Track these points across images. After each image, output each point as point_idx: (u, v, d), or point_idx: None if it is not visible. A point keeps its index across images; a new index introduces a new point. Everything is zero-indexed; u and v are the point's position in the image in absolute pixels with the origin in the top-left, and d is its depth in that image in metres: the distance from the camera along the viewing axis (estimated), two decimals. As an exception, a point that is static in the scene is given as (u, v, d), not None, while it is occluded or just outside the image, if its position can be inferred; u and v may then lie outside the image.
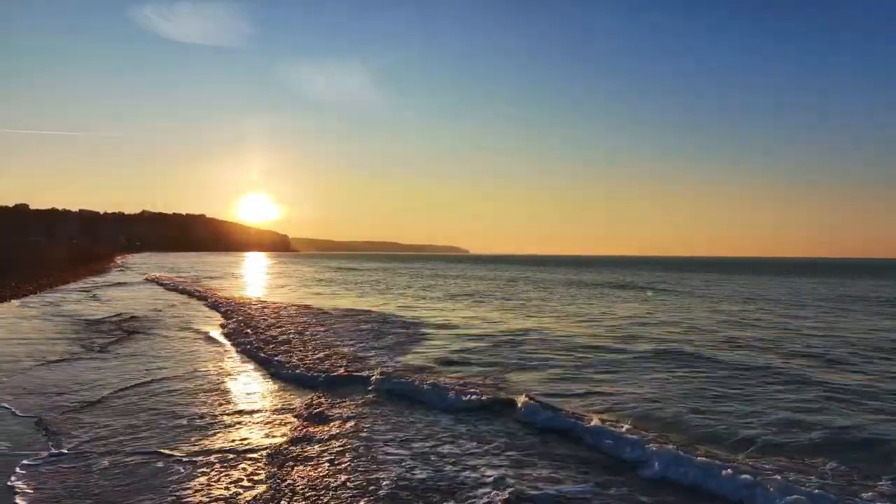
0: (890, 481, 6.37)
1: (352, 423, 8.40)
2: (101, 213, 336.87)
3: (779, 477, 6.37)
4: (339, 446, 7.36)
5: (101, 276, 49.08)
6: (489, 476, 6.43)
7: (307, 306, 25.77)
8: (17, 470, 6.43)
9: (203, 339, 16.17)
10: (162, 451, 7.07)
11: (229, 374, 11.66)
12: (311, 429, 8.09)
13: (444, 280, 53.35)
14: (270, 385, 10.89)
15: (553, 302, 30.06)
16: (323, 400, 9.63)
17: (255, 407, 9.27)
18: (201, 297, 29.30)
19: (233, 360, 13.27)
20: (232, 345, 14.93)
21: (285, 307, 25.24)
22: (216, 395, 9.94)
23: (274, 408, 9.23)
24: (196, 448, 7.19)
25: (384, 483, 6.21)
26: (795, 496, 5.72)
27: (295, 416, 8.68)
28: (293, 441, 7.53)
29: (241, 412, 8.92)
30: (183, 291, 33.48)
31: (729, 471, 6.30)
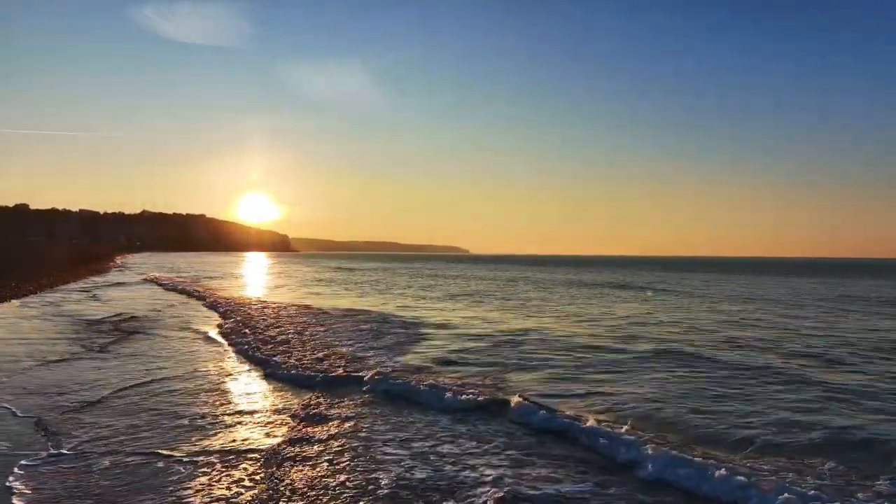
0: (888, 481, 6.37)
1: (349, 423, 8.40)
2: (101, 213, 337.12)
3: (775, 477, 6.38)
4: (337, 447, 7.37)
5: (101, 276, 49.10)
6: (485, 476, 6.42)
7: (306, 306, 25.78)
8: (16, 470, 6.44)
9: (202, 340, 16.18)
10: (161, 451, 7.07)
11: (227, 375, 11.67)
12: (308, 429, 8.09)
13: (444, 280, 53.37)
14: (268, 385, 10.90)
15: (553, 302, 30.07)
16: (320, 400, 9.64)
17: (253, 407, 9.28)
18: (200, 297, 29.31)
19: (231, 360, 13.27)
20: (230, 345, 14.93)
21: (285, 307, 25.25)
22: (214, 395, 9.94)
23: (271, 408, 9.23)
24: (195, 448, 7.19)
25: (382, 483, 6.21)
26: (787, 495, 5.73)
27: (292, 417, 8.68)
28: (291, 441, 7.53)
29: (239, 412, 8.92)
30: (182, 291, 33.50)
31: (723, 471, 6.28)
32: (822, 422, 8.56)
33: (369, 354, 13.82)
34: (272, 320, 20.24)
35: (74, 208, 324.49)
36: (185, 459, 6.81)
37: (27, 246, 72.05)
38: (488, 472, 6.56)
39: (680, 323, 20.90)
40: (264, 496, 5.89)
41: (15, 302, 24.58)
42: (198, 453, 7.02)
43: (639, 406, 9.33)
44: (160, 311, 23.37)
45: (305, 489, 6.07)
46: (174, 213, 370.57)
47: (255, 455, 7.01)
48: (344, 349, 14.47)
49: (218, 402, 9.44)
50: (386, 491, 6.01)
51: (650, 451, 6.86)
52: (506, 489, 6.05)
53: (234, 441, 7.52)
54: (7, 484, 6.08)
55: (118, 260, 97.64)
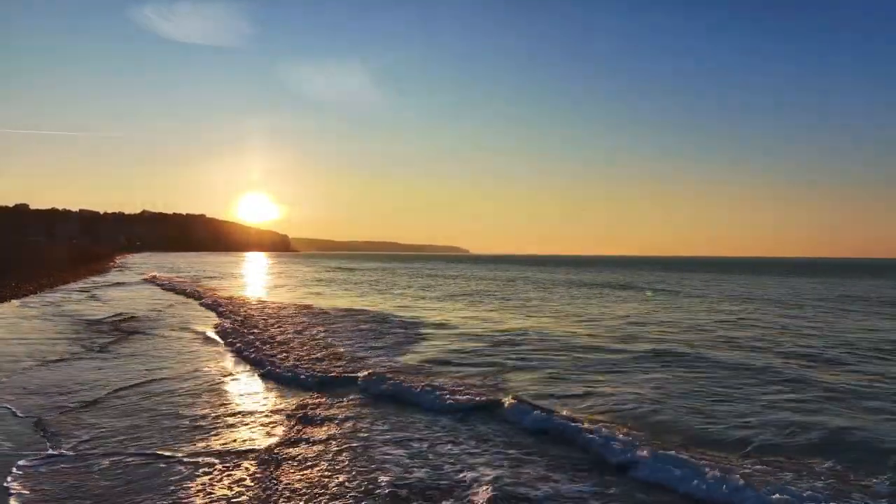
0: (887, 482, 6.39)
1: (344, 424, 8.41)
2: (101, 213, 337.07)
3: (772, 478, 6.40)
4: (332, 448, 7.37)
5: (101, 276, 49.11)
6: (480, 477, 6.43)
7: (306, 306, 25.79)
8: (14, 470, 6.45)
9: (200, 340, 16.19)
10: (160, 451, 7.08)
11: (226, 375, 11.68)
12: (304, 430, 8.10)
13: (444, 280, 53.37)
14: (266, 386, 10.90)
15: (552, 302, 30.08)
16: (316, 401, 9.64)
17: (251, 408, 9.28)
18: (199, 297, 29.31)
19: (230, 360, 13.27)
20: (229, 345, 14.93)
21: (284, 307, 25.26)
22: (212, 395, 9.95)
23: (269, 409, 9.24)
24: (193, 449, 7.20)
25: (379, 484, 6.22)
26: (782, 496, 5.74)
27: (289, 417, 8.68)
28: (287, 442, 7.54)
29: (236, 413, 8.93)
30: (181, 292, 33.50)
31: (718, 473, 6.27)
32: (820, 422, 8.57)
33: (368, 354, 13.83)
34: (271, 320, 20.26)
35: (74, 208, 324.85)
36: (183, 460, 6.82)
37: (27, 246, 72.06)
38: (483, 472, 6.56)
39: (679, 323, 20.91)
40: (263, 496, 5.90)
41: (15, 302, 24.59)
42: (196, 454, 7.03)
43: (637, 406, 9.35)
44: (160, 311, 23.38)
45: (303, 489, 6.08)
46: (174, 213, 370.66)
47: (253, 455, 7.02)
48: (343, 349, 14.48)
49: (216, 403, 9.45)
50: (382, 491, 6.02)
51: (646, 453, 6.86)
52: (500, 490, 6.06)
53: (231, 441, 7.53)
54: (5, 484, 6.09)
55: (118, 260, 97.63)
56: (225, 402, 9.59)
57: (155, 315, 21.81)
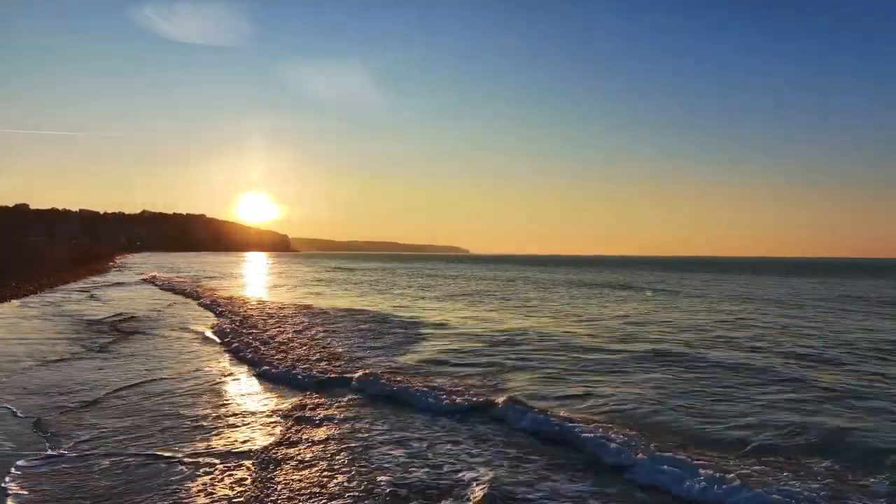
0: (885, 481, 6.40)
1: (342, 424, 8.42)
2: (101, 213, 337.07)
3: (770, 479, 6.41)
4: (330, 448, 7.38)
5: (100, 276, 49.13)
6: (475, 477, 6.42)
7: (305, 306, 25.80)
8: (12, 470, 6.45)
9: (201, 340, 16.20)
10: (159, 451, 7.09)
11: (225, 375, 11.69)
12: (302, 430, 8.11)
13: (444, 280, 53.39)
14: (264, 386, 10.90)
15: (552, 302, 30.09)
16: (314, 401, 9.64)
17: (250, 408, 9.29)
18: (199, 298, 29.32)
19: (228, 361, 13.27)
20: (228, 346, 14.92)
21: (283, 307, 25.28)
22: (211, 396, 9.96)
23: (267, 409, 9.25)
24: (191, 449, 7.21)
25: (375, 484, 6.23)
26: (776, 496, 5.75)
27: (287, 418, 8.68)
28: (285, 442, 7.55)
29: (235, 413, 8.94)
30: (180, 292, 33.50)
31: (715, 474, 6.28)
32: (819, 422, 8.58)
33: (368, 355, 13.84)
34: (271, 320, 20.26)
35: (74, 208, 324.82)
36: (183, 460, 6.83)
37: (27, 246, 72.06)
38: (481, 473, 6.56)
39: (679, 323, 20.92)
40: (263, 496, 5.91)
41: (15, 302, 24.61)
42: (195, 454, 7.04)
43: (636, 407, 9.35)
44: (159, 311, 23.39)
45: (302, 490, 6.09)
46: (174, 213, 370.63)
47: (252, 456, 7.02)
48: (342, 349, 14.49)
49: (214, 403, 9.46)
50: (382, 491, 6.02)
51: (642, 454, 6.86)
52: (497, 490, 6.06)
53: (230, 442, 7.54)
54: (3, 485, 6.10)
55: (118, 260, 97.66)
56: (224, 402, 9.60)
57: (154, 315, 21.82)
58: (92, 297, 28.87)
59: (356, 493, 6.00)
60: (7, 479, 6.23)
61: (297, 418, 8.66)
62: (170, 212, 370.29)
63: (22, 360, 12.63)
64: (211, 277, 51.81)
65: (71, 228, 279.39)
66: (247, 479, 6.34)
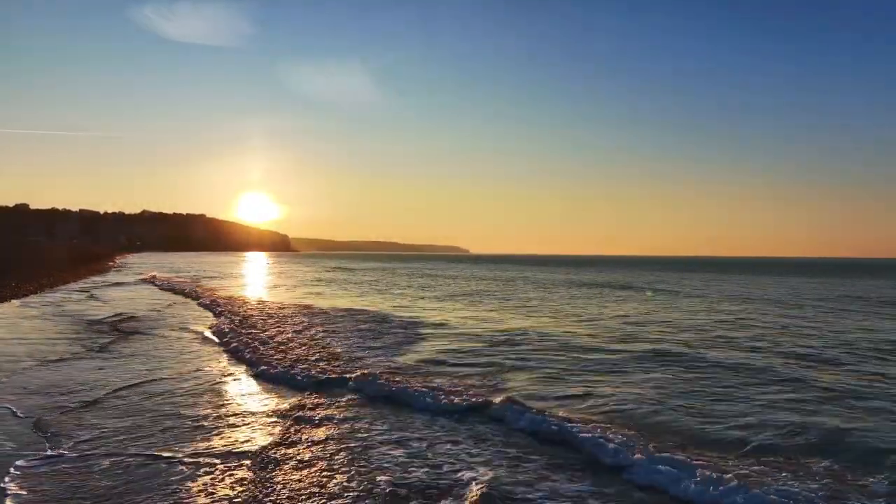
0: (885, 481, 6.41)
1: (341, 424, 8.42)
2: (101, 213, 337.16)
3: (770, 479, 6.41)
4: (329, 448, 7.39)
5: (100, 276, 49.15)
6: (473, 478, 6.41)
7: (305, 306, 25.81)
8: (11, 471, 6.46)
9: (199, 340, 16.20)
10: (158, 452, 7.10)
11: (225, 376, 11.69)
12: (301, 430, 8.11)
13: (444, 280, 53.39)
14: (263, 386, 10.89)
15: (552, 302, 30.09)
16: (313, 401, 9.65)
17: (250, 408, 9.30)
18: (198, 298, 29.33)
19: (226, 361, 13.27)
20: (228, 346, 14.91)
21: (283, 307, 25.28)
22: (211, 396, 9.97)
23: (267, 409, 9.25)
24: (191, 449, 7.22)
25: (374, 484, 6.24)
26: (774, 497, 5.75)
27: (286, 418, 8.69)
28: (284, 442, 7.56)
29: (235, 413, 8.95)
30: (180, 292, 33.51)
31: (712, 475, 6.26)
32: (819, 422, 8.58)
33: (367, 355, 13.85)
34: (270, 320, 20.27)
35: (74, 208, 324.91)
36: (183, 460, 6.83)
37: (27, 246, 72.07)
38: (479, 473, 6.55)
39: (679, 323, 20.92)
40: (263, 496, 5.91)
41: (15, 302, 24.62)
42: (195, 454, 7.04)
43: (636, 407, 9.36)
44: (158, 311, 23.40)
45: (301, 490, 6.10)
46: (174, 213, 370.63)
47: (252, 456, 7.03)
48: (341, 349, 14.50)
49: (214, 403, 9.47)
50: (381, 491, 6.04)
51: (640, 454, 6.86)
52: (496, 490, 6.06)
53: (230, 442, 7.55)
54: (2, 485, 6.10)
55: (118, 260, 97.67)
56: (223, 402, 9.61)
57: (154, 315, 21.83)
58: (92, 297, 28.88)
59: (355, 493, 6.01)
60: (6, 479, 6.24)
61: (297, 418, 8.66)
62: (170, 212, 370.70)
63: (22, 360, 12.64)
64: (211, 277, 51.81)
65: (71, 228, 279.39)
66: (246, 479, 6.35)
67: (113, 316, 20.89)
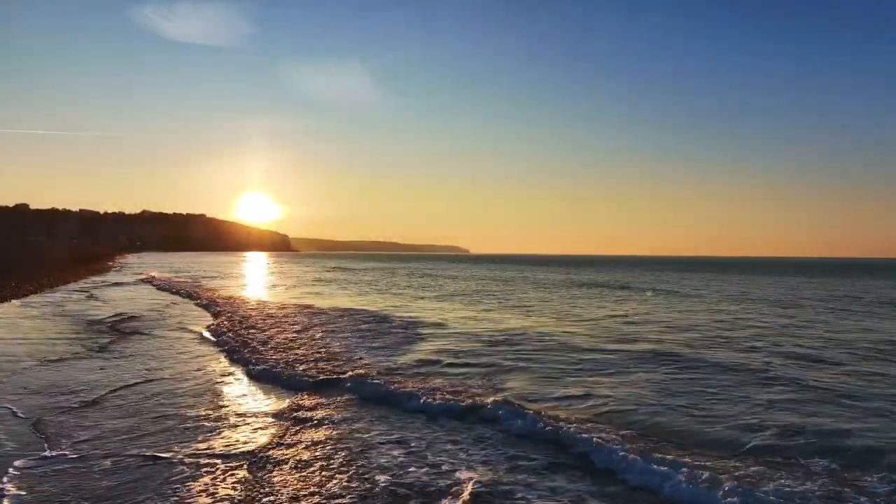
0: (884, 481, 6.41)
1: (339, 425, 8.44)
2: (101, 213, 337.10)
3: (766, 480, 6.42)
4: (326, 448, 7.41)
5: (100, 276, 49.16)
6: (464, 480, 6.41)
7: (304, 306, 25.82)
8: (10, 471, 6.47)
9: (198, 340, 16.22)
10: (157, 452, 7.12)
11: (222, 376, 11.70)
12: (299, 430, 8.13)
13: (443, 280, 53.40)
14: (262, 386, 10.90)
15: (552, 302, 30.10)
16: (311, 401, 9.67)
17: (247, 409, 9.31)
18: (198, 298, 29.34)
19: (225, 361, 13.27)
20: (226, 346, 14.93)
21: (282, 307, 25.29)
22: (210, 396, 9.98)
23: (266, 409, 9.27)
24: (191, 449, 7.23)
25: (371, 484, 6.26)
26: (773, 498, 5.76)
27: (285, 418, 8.70)
28: (283, 442, 7.58)
29: (233, 414, 8.96)
30: (180, 292, 33.51)
31: (705, 475, 6.26)
32: (817, 423, 8.59)
33: (366, 355, 13.85)
34: (269, 321, 20.28)
35: (74, 208, 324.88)
36: (182, 461, 6.85)
37: (27, 246, 72.06)
38: (471, 475, 6.54)
39: (679, 324, 20.93)
40: (262, 496, 5.93)
41: (15, 302, 24.63)
42: (194, 454, 7.06)
43: (634, 408, 9.36)
44: (158, 311, 23.42)
45: (300, 490, 6.12)
46: (174, 213, 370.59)
47: (251, 456, 7.04)
48: (340, 349, 14.50)
49: (213, 404, 9.48)
50: (377, 492, 6.06)
51: (633, 456, 6.85)
52: (487, 492, 6.07)
53: (228, 442, 7.56)
54: (0, 485, 6.11)
55: (118, 260, 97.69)
56: (222, 402, 9.62)
57: (154, 315, 21.84)
58: (92, 297, 28.89)
59: (354, 493, 6.02)
60: (5, 479, 6.25)
61: (295, 419, 8.68)
62: (170, 212, 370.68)
63: (22, 359, 12.65)
64: (211, 277, 51.81)
65: (71, 228, 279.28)
66: (246, 479, 6.36)
67: (113, 316, 20.91)
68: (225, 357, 13.69)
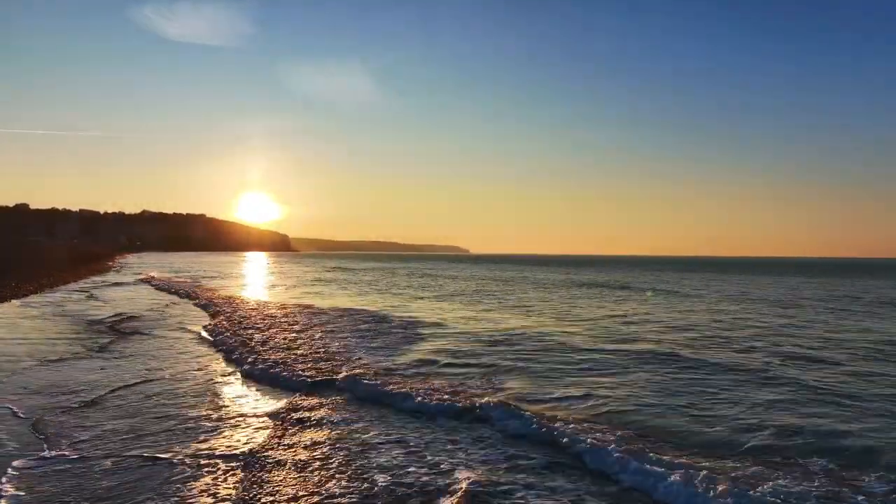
0: (882, 481, 6.43)
1: (334, 425, 8.44)
2: (101, 213, 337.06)
3: (763, 481, 6.43)
4: (323, 449, 7.42)
5: (100, 276, 49.16)
6: (458, 480, 6.42)
7: (304, 306, 25.83)
8: (9, 471, 6.48)
9: (197, 341, 16.23)
10: (156, 452, 7.13)
11: (220, 376, 11.71)
12: (296, 431, 8.15)
13: (443, 280, 53.41)
14: (261, 386, 10.90)
15: (551, 302, 30.11)
16: (309, 402, 9.68)
17: (246, 409, 9.33)
18: (197, 298, 29.35)
19: (224, 362, 13.27)
20: (225, 346, 14.92)
21: (282, 307, 25.30)
22: (207, 397, 9.98)
23: (265, 410, 9.27)
24: (189, 450, 7.25)
25: (367, 484, 6.27)
26: (771, 499, 5.76)
27: (282, 419, 8.71)
28: (281, 443, 7.59)
29: (232, 414, 8.98)
30: (180, 292, 33.51)
31: (699, 476, 6.25)
32: (816, 423, 8.60)
33: (365, 355, 13.86)
34: (269, 321, 20.29)
35: (74, 208, 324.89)
36: (181, 461, 6.86)
37: (27, 246, 72.08)
38: (464, 476, 6.54)
39: (678, 324, 20.94)
40: (262, 496, 5.94)
41: (15, 302, 24.65)
42: (193, 455, 7.07)
43: (632, 408, 9.37)
44: (157, 311, 23.43)
45: (298, 489, 6.13)
46: (174, 213, 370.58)
47: (249, 457, 7.05)
48: (339, 350, 14.51)
49: (211, 404, 9.49)
50: (373, 492, 6.08)
51: (630, 457, 6.86)
52: (480, 493, 6.08)
53: (226, 443, 7.57)
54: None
55: (118, 260, 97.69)
56: (222, 402, 9.63)
57: (153, 315, 21.86)
58: (92, 297, 28.91)
59: (354, 493, 6.03)
60: (4, 479, 6.26)
61: (294, 419, 8.70)
62: (170, 212, 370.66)
63: (22, 359, 12.67)
64: (211, 277, 51.82)
65: (71, 228, 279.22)
66: (245, 479, 6.38)
67: (113, 316, 20.92)
68: (225, 357, 13.69)
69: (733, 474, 6.54)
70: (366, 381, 10.58)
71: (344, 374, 11.34)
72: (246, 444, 7.52)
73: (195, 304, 26.51)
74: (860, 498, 6.00)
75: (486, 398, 9.61)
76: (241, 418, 8.73)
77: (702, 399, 9.99)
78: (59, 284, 35.18)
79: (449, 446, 7.61)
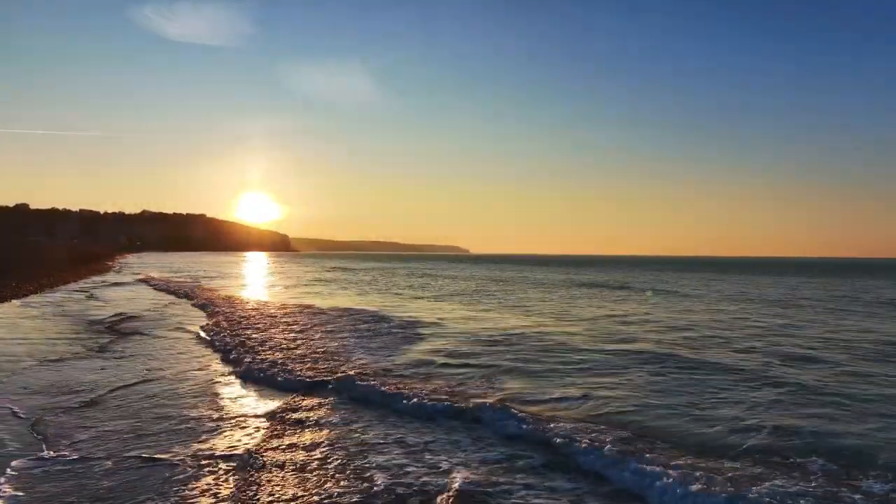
0: (881, 482, 6.43)
1: (332, 426, 8.46)
2: (101, 213, 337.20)
3: (761, 482, 6.44)
4: (321, 450, 7.44)
5: (100, 276, 49.18)
6: (453, 481, 6.41)
7: (304, 306, 25.84)
8: (8, 471, 6.50)
9: (196, 341, 16.23)
10: (155, 453, 7.14)
11: (220, 376, 11.72)
12: (295, 431, 8.16)
13: (443, 280, 53.41)
14: (258, 387, 10.89)
15: (551, 302, 30.12)
16: (307, 402, 9.70)
17: (244, 409, 9.33)
18: (197, 298, 29.36)
19: (222, 362, 13.25)
20: (224, 346, 14.92)
21: (281, 307, 25.32)
22: (206, 397, 9.99)
23: (265, 410, 9.28)
24: (188, 450, 7.26)
25: (365, 484, 6.29)
26: (769, 499, 5.77)
27: (281, 419, 8.72)
28: (280, 444, 7.61)
29: (231, 414, 9.00)
30: (178, 292, 33.52)
31: (695, 478, 6.24)
32: (815, 424, 8.60)
33: (364, 355, 13.87)
34: (268, 321, 20.31)
35: (74, 208, 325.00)
36: (178, 461, 6.87)
37: (27, 246, 72.10)
38: (460, 477, 6.52)
39: (678, 324, 20.94)
40: (261, 497, 5.96)
41: (16, 302, 24.66)
42: (191, 455, 7.09)
43: (631, 409, 9.37)
44: (157, 311, 23.45)
45: (297, 490, 6.15)
46: (174, 213, 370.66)
47: (249, 457, 7.06)
48: (338, 350, 14.51)
49: (210, 405, 9.50)
50: (372, 492, 6.09)
51: (625, 459, 6.85)
52: (474, 494, 6.09)
53: (225, 443, 7.59)
54: None
55: (118, 260, 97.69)
56: (222, 403, 9.65)
57: (153, 315, 21.87)
58: (92, 297, 28.92)
59: (353, 493, 6.04)
60: (3, 479, 6.27)
61: (294, 419, 8.72)
62: (170, 212, 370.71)
63: (22, 359, 12.68)
64: (210, 277, 51.83)
65: (71, 228, 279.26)
66: (245, 479, 6.39)
67: (113, 316, 20.93)
68: (224, 358, 13.69)
69: (731, 474, 6.54)
70: (366, 382, 10.58)
71: (342, 374, 11.34)
72: (248, 443, 7.54)
73: (195, 305, 26.51)
74: (858, 498, 6.01)
75: (487, 398, 9.61)
76: (240, 418, 8.74)
77: (701, 399, 10.00)
78: (59, 284, 35.19)
79: (448, 446, 7.62)
